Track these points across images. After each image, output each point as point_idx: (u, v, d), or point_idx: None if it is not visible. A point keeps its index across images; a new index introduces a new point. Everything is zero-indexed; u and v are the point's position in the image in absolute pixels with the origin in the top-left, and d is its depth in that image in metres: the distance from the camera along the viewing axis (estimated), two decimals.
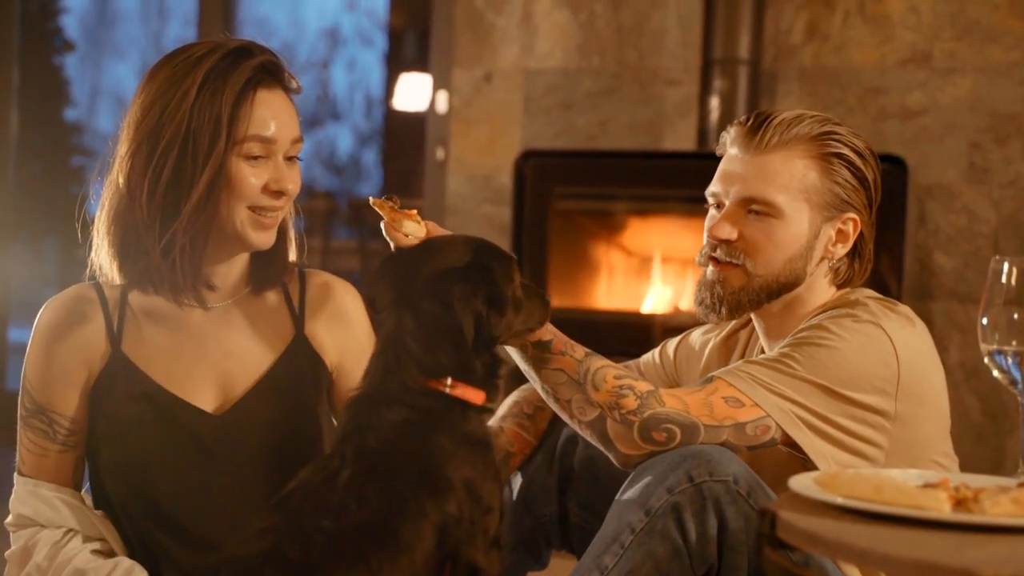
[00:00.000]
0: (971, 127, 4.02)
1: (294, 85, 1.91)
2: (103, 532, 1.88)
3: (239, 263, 1.94)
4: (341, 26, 11.49)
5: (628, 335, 4.14)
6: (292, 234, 1.99)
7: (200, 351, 1.91)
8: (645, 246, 4.42)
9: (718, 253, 2.00)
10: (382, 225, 1.92)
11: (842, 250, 2.00)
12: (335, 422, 1.94)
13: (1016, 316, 1.63)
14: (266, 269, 1.95)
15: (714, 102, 4.11)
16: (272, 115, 1.84)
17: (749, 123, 2.00)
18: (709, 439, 1.83)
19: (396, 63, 10.51)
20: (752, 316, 2.08)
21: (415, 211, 1.93)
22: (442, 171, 4.80)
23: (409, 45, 10.47)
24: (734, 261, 1.98)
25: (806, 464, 1.85)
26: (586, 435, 1.89)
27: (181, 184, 1.81)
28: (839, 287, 2.04)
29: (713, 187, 2.02)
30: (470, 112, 4.64)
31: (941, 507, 1.38)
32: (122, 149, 1.86)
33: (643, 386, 1.85)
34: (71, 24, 9.38)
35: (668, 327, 4.00)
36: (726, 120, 3.95)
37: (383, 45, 11.41)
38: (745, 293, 1.99)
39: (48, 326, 1.91)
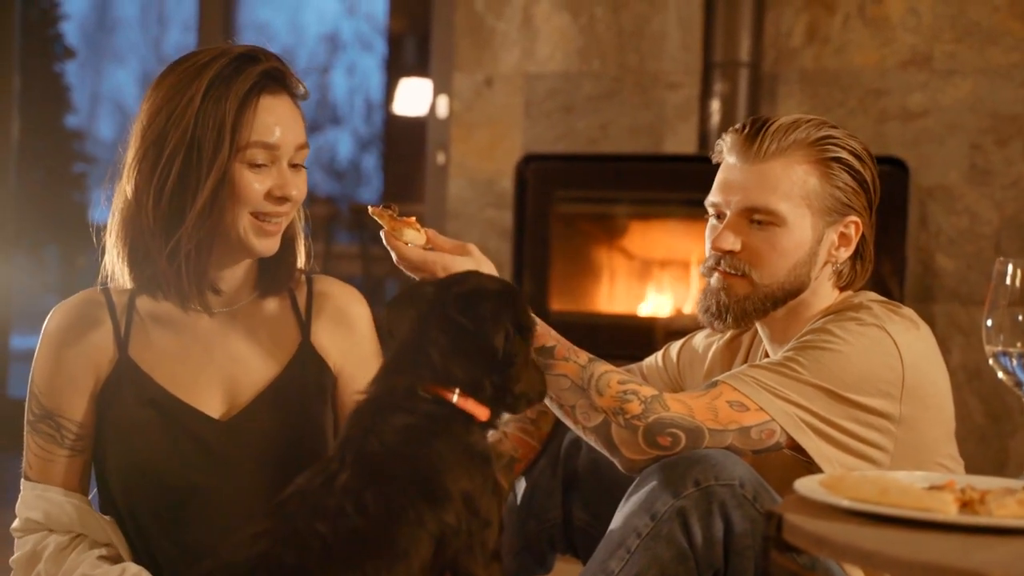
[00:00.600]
0: (972, 128, 4.02)
1: (300, 91, 1.91)
2: (111, 537, 1.88)
3: (246, 269, 1.94)
4: (341, 31, 11.50)
5: (630, 339, 4.14)
6: (300, 241, 1.99)
7: (207, 357, 1.91)
8: (646, 249, 4.42)
9: (722, 264, 1.99)
10: (382, 234, 1.92)
11: (845, 253, 2.00)
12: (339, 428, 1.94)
13: (1021, 317, 1.63)
14: (273, 275, 1.95)
15: (715, 105, 4.11)
16: (276, 121, 1.84)
17: (746, 131, 1.99)
18: (714, 443, 1.83)
19: (396, 68, 10.51)
20: (757, 321, 2.08)
21: (414, 218, 1.93)
22: (443, 176, 4.80)
23: (409, 50, 10.48)
24: (738, 272, 1.98)
25: (811, 468, 1.85)
26: (590, 440, 1.89)
27: (186, 190, 1.81)
28: (842, 289, 2.04)
29: (713, 197, 2.02)
30: (471, 116, 4.64)
31: (947, 509, 1.37)
32: (129, 155, 1.86)
33: (647, 391, 1.85)
34: (71, 30, 9.39)
35: (670, 330, 4.00)
36: (727, 123, 3.95)
37: (383, 50, 11.42)
38: (750, 302, 1.98)
39: (56, 331, 1.91)
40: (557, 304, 4.27)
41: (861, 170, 1.98)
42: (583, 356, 1.89)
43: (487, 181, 4.62)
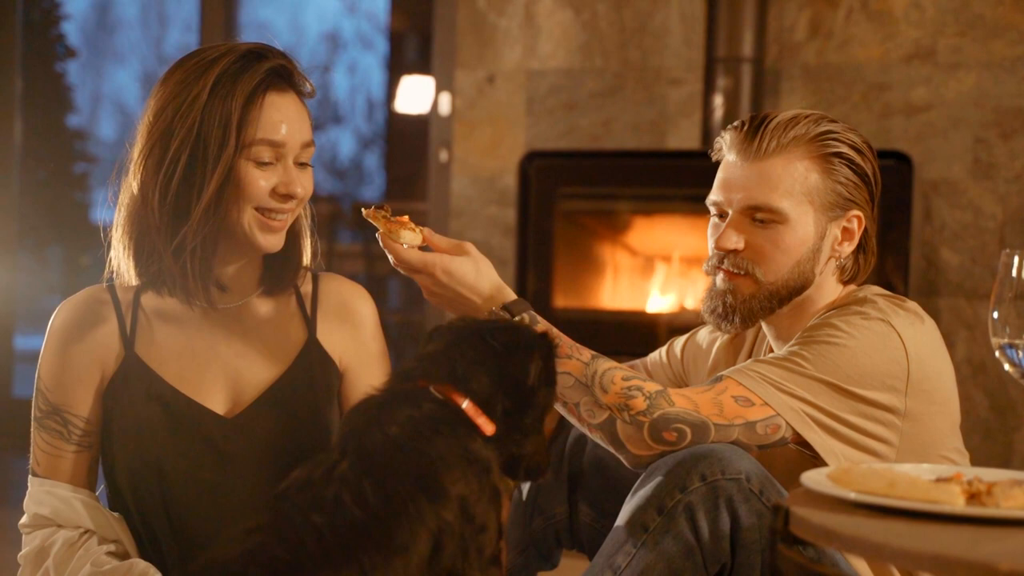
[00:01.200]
0: (976, 122, 4.02)
1: (307, 89, 1.90)
2: (119, 533, 1.88)
3: (251, 265, 1.94)
4: (341, 30, 11.50)
5: (634, 335, 4.14)
6: (306, 238, 1.99)
7: (212, 353, 1.92)
8: (650, 245, 4.42)
9: (726, 263, 1.99)
10: (378, 236, 1.91)
11: (848, 247, 2.00)
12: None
13: None
14: (279, 272, 1.95)
15: (718, 100, 4.11)
16: (282, 119, 1.84)
17: (745, 128, 1.99)
18: (720, 438, 1.82)
19: (397, 66, 10.51)
20: (761, 322, 2.07)
21: (407, 217, 1.92)
22: (446, 173, 4.79)
23: (410, 48, 10.48)
24: (742, 270, 1.98)
25: (816, 462, 1.85)
26: (596, 438, 1.88)
27: (192, 187, 1.81)
28: (846, 283, 2.04)
29: (714, 196, 2.01)
30: (473, 114, 4.64)
31: (955, 501, 1.37)
32: (135, 151, 1.86)
33: (652, 386, 1.84)
34: (72, 31, 9.39)
35: (674, 326, 4.00)
36: (730, 119, 3.95)
37: (384, 48, 11.42)
38: (756, 301, 1.98)
39: (62, 328, 1.91)
40: (561, 301, 4.27)
41: (862, 164, 1.98)
42: (586, 353, 1.89)
43: (490, 178, 4.62)
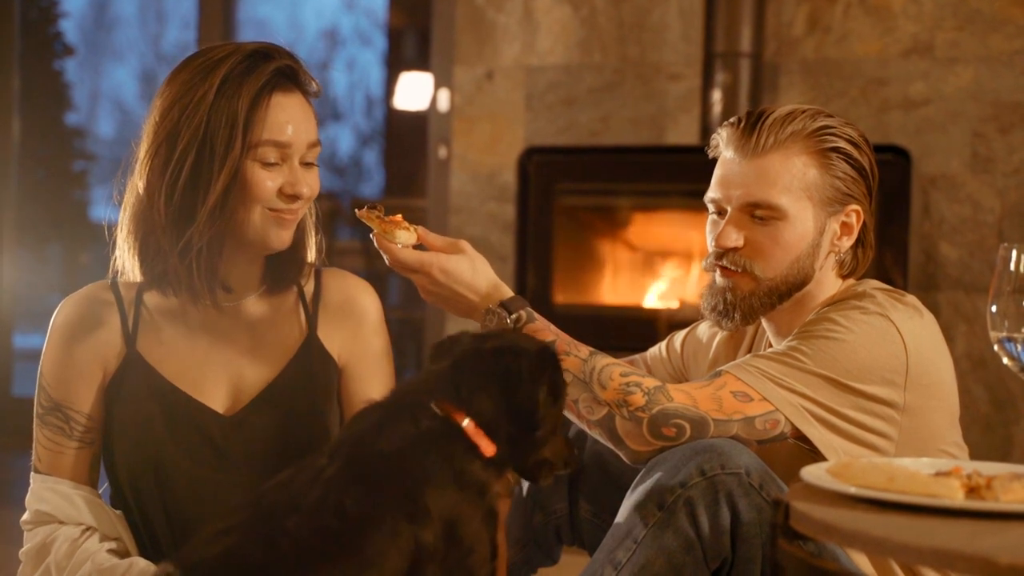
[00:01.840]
0: (974, 116, 4.02)
1: (313, 88, 1.90)
2: (120, 531, 1.89)
3: (254, 264, 1.94)
4: (340, 26, 11.50)
5: (633, 330, 4.14)
6: (310, 236, 1.99)
7: (214, 351, 1.92)
8: (649, 241, 4.42)
9: (724, 261, 1.99)
10: (372, 237, 1.91)
11: (847, 242, 2.00)
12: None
13: None
14: (281, 270, 1.95)
15: (716, 96, 4.11)
16: (288, 119, 1.84)
17: (742, 125, 1.98)
18: (719, 434, 1.82)
19: (396, 62, 10.51)
20: (761, 318, 2.08)
21: (400, 216, 1.92)
22: (445, 170, 4.79)
23: (408, 44, 10.47)
24: (741, 268, 1.98)
25: (816, 457, 1.85)
26: (595, 434, 1.88)
27: (198, 187, 1.81)
28: (845, 277, 2.04)
29: (712, 193, 2.01)
30: (472, 110, 4.64)
31: (954, 495, 1.37)
32: (141, 151, 1.86)
33: (650, 382, 1.84)
34: (70, 29, 9.38)
35: (673, 321, 4.00)
36: (728, 114, 3.95)
37: (382, 45, 11.41)
38: (756, 298, 1.98)
39: (64, 324, 1.91)
40: (560, 297, 4.28)
41: (859, 158, 1.98)
42: (584, 350, 1.89)
43: (489, 175, 4.62)
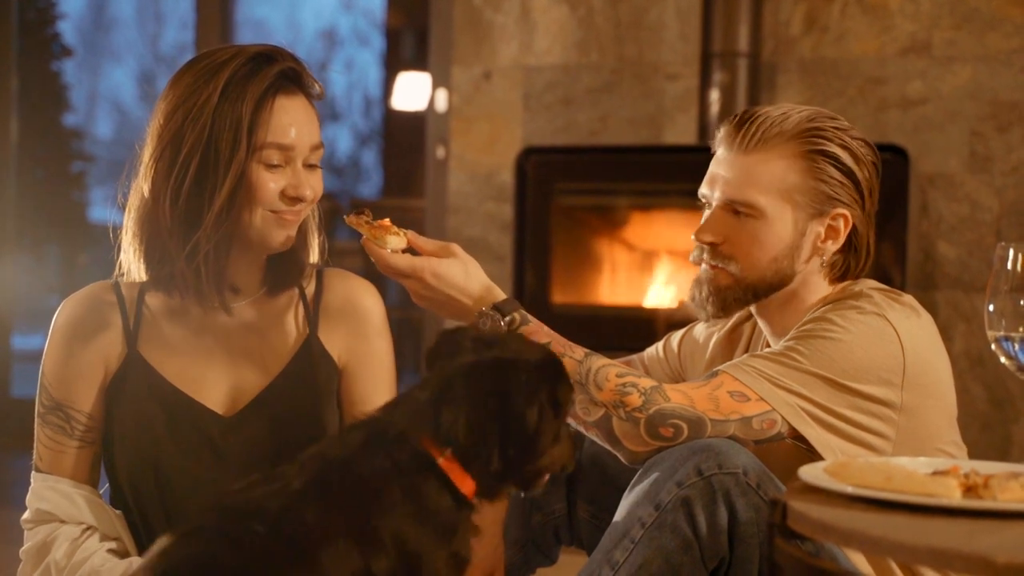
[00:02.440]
0: (972, 115, 4.02)
1: (316, 91, 1.91)
2: (120, 531, 1.89)
3: (256, 266, 1.94)
4: (338, 27, 11.51)
5: (632, 330, 4.14)
6: (313, 238, 1.99)
7: (215, 352, 1.92)
8: (648, 240, 4.42)
9: (705, 254, 2.00)
10: (362, 242, 1.90)
11: (833, 246, 1.99)
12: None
13: (1022, 302, 1.63)
14: (282, 271, 1.96)
15: (714, 95, 4.11)
16: (292, 122, 1.85)
17: (735, 121, 1.99)
18: (716, 434, 1.82)
19: (394, 63, 10.52)
20: (755, 316, 2.08)
21: (388, 220, 1.92)
22: (443, 170, 4.79)
23: (406, 44, 10.48)
24: (719, 263, 1.99)
25: (813, 456, 1.85)
26: (592, 435, 1.88)
27: (203, 190, 1.82)
28: (838, 281, 2.03)
29: (702, 188, 2.03)
30: (470, 110, 4.64)
31: (952, 494, 1.37)
32: (146, 154, 1.86)
33: (646, 382, 1.84)
34: (68, 30, 9.38)
35: (672, 321, 4.00)
36: (726, 113, 3.95)
37: (380, 45, 11.42)
38: (731, 292, 1.99)
39: (66, 324, 1.92)
40: (559, 297, 4.28)
41: (849, 163, 1.96)
42: (579, 351, 1.89)
43: (487, 175, 4.62)
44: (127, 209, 1.90)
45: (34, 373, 1.95)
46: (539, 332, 1.89)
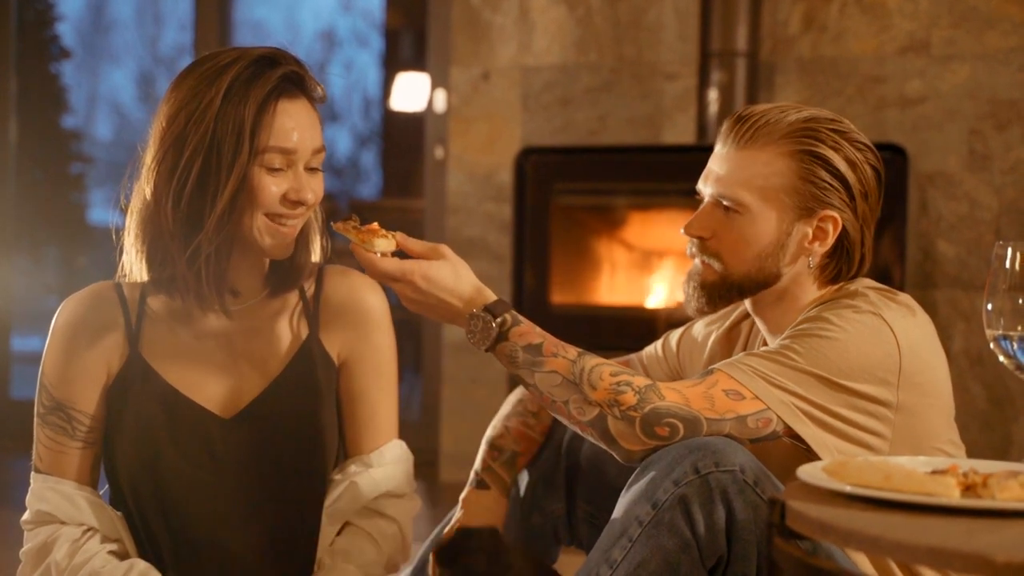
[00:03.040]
0: (971, 114, 4.02)
1: (318, 94, 1.91)
2: (120, 532, 1.89)
3: (258, 268, 1.94)
4: (337, 28, 11.50)
5: (631, 330, 4.14)
6: (316, 240, 1.99)
7: (216, 354, 1.92)
8: (647, 240, 4.42)
9: (695, 248, 2.02)
10: (351, 248, 1.90)
11: (820, 248, 1.98)
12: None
13: (1021, 301, 1.63)
14: (284, 274, 1.96)
15: (713, 95, 4.11)
16: (294, 126, 1.84)
17: (735, 117, 2.00)
18: (711, 432, 1.82)
19: (392, 63, 10.51)
20: (751, 314, 2.08)
21: (376, 224, 1.91)
22: (442, 170, 4.79)
23: (405, 45, 10.48)
24: (706, 258, 2.00)
25: (810, 455, 1.85)
26: (587, 435, 1.88)
27: (205, 193, 1.82)
28: (832, 282, 2.02)
29: (698, 183, 2.04)
30: (469, 110, 4.64)
31: (951, 493, 1.37)
32: (148, 157, 1.86)
33: (641, 381, 1.84)
34: (67, 31, 9.37)
35: (671, 321, 4.00)
36: (725, 113, 3.95)
37: (379, 46, 11.41)
38: (716, 288, 2.00)
39: (67, 324, 1.91)
40: (558, 297, 4.27)
41: (841, 166, 1.94)
42: (572, 351, 1.88)
43: (486, 175, 4.62)
44: (129, 211, 1.90)
45: (33, 375, 1.95)
46: (531, 333, 1.89)
